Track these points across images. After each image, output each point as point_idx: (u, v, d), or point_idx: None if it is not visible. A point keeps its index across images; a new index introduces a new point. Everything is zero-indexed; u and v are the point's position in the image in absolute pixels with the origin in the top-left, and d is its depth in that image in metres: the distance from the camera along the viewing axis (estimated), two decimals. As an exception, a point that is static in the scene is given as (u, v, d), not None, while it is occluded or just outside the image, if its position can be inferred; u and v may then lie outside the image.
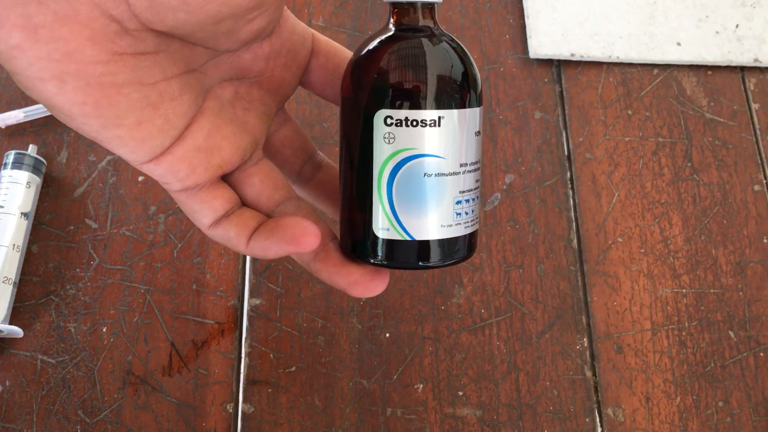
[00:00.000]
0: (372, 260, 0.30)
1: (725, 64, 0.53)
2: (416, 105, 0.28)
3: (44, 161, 0.46)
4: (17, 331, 0.42)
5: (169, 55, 0.27)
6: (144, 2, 0.24)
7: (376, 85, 0.29)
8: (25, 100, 0.49)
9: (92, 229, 0.46)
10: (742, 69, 0.53)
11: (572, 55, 0.52)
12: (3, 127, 0.48)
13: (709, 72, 0.53)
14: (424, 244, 0.30)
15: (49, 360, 0.42)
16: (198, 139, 0.28)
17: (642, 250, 0.47)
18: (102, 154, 0.48)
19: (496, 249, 0.46)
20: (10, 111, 0.48)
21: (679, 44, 0.53)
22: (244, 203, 0.32)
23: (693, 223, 0.48)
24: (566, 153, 0.50)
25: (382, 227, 0.29)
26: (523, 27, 0.53)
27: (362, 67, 0.30)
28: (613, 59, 0.52)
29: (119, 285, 0.44)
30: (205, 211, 0.30)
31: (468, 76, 0.30)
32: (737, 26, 0.54)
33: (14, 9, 0.23)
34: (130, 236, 0.46)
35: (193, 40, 0.27)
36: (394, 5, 0.30)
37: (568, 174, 0.49)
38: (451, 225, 0.30)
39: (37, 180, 0.45)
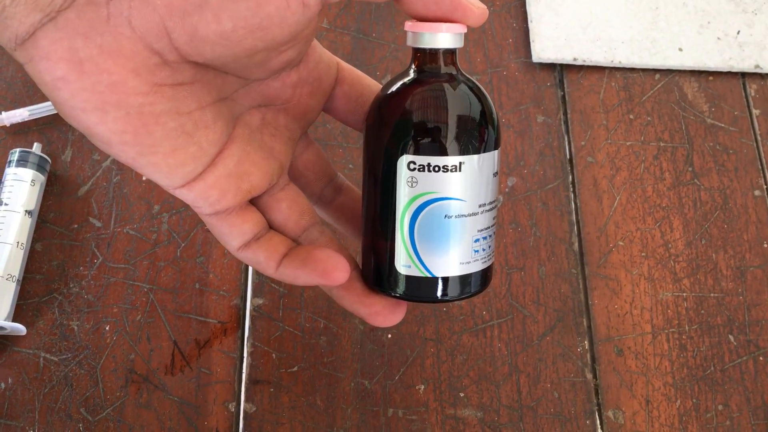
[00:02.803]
0: (393, 294, 0.31)
1: (726, 70, 0.53)
2: (439, 152, 0.29)
3: (48, 159, 0.47)
4: (20, 328, 0.42)
5: (204, 85, 0.27)
6: (184, 36, 0.25)
7: (400, 132, 0.30)
8: (30, 99, 0.49)
9: (96, 228, 0.46)
10: (743, 75, 0.54)
11: (575, 59, 0.52)
12: (8, 125, 0.48)
13: (711, 78, 0.53)
14: (444, 280, 0.31)
15: (52, 358, 0.42)
16: (229, 165, 0.29)
17: (643, 254, 0.47)
18: (106, 153, 0.48)
19: (498, 251, 0.47)
20: (15, 109, 0.48)
21: (680, 50, 0.53)
22: (271, 227, 0.32)
23: (693, 227, 0.49)
24: (568, 157, 0.50)
25: (404, 264, 0.30)
26: (526, 31, 0.54)
27: (386, 111, 0.30)
28: (615, 64, 0.53)
29: (122, 283, 0.44)
30: (234, 234, 0.31)
31: (488, 121, 0.30)
32: (738, 33, 0.54)
33: (61, 43, 0.24)
34: (134, 235, 0.46)
35: (226, 70, 0.28)
36: (417, 50, 0.30)
37: (570, 177, 0.49)
38: (470, 262, 0.31)
39: (42, 178, 0.46)
